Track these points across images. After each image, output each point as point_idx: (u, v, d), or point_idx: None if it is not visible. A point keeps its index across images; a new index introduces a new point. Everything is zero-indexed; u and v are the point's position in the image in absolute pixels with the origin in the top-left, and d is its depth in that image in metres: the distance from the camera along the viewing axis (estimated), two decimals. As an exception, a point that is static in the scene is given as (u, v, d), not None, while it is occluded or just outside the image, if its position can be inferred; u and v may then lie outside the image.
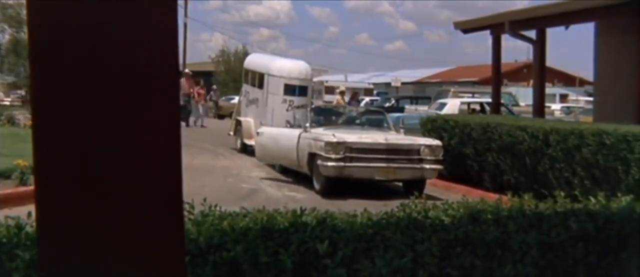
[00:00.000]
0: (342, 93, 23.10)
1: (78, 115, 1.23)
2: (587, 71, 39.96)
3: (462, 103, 22.59)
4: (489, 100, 21.97)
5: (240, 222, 3.19)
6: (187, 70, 25.47)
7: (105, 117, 1.25)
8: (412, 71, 58.35)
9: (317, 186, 10.71)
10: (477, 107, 21.79)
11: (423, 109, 24.25)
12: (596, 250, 3.79)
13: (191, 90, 23.89)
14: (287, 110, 14.81)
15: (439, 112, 19.87)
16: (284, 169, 12.59)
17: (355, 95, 26.40)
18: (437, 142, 10.88)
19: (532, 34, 13.88)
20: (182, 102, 23.24)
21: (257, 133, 13.09)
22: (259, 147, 12.63)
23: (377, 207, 3.93)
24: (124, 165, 1.26)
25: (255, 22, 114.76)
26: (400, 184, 11.18)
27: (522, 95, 32.22)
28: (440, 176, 11.04)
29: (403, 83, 44.40)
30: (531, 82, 24.23)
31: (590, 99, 23.72)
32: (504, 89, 23.08)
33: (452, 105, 21.90)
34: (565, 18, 12.93)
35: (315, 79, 25.95)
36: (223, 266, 3.06)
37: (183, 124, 22.88)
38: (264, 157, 12.77)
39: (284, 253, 3.13)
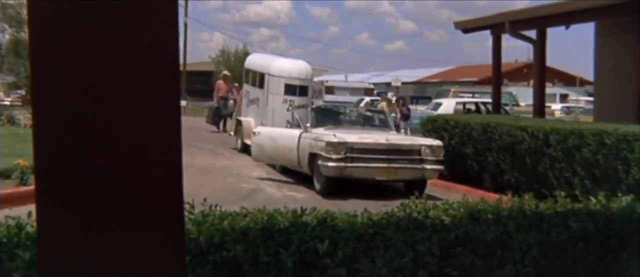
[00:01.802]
0: (388, 101, 19.59)
1: (78, 115, 1.23)
2: (587, 71, 40.00)
3: (458, 103, 22.61)
4: (485, 100, 22.03)
5: (240, 222, 3.19)
6: (225, 72, 24.48)
7: (105, 117, 1.25)
8: (413, 71, 58.43)
9: (317, 186, 10.70)
10: (473, 107, 21.80)
11: (421, 109, 24.28)
12: (596, 250, 3.79)
13: (230, 92, 21.70)
14: (288, 110, 14.80)
15: (434, 112, 19.89)
16: (284, 169, 12.57)
17: (404, 102, 21.27)
18: (438, 142, 10.88)
19: (532, 33, 13.88)
20: (217, 105, 21.61)
21: (254, 133, 12.97)
22: (255, 146, 12.48)
23: (377, 207, 3.93)
24: (124, 165, 1.26)
25: (255, 22, 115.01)
26: (401, 183, 11.18)
27: (523, 95, 32.25)
28: (441, 175, 11.03)
29: (403, 83, 44.41)
30: (531, 82, 24.23)
31: (591, 98, 23.74)
32: (504, 89, 23.09)
33: (447, 106, 21.95)
34: (566, 18, 12.93)
35: (315, 79, 25.90)
36: (223, 265, 3.06)
37: (215, 128, 21.37)
38: (260, 157, 12.63)
39: (285, 253, 3.13)
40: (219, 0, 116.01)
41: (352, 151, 10.26)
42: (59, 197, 1.25)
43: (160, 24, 1.26)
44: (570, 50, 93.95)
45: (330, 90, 33.05)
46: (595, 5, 11.73)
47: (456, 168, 11.44)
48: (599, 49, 13.60)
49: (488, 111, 19.94)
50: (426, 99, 29.07)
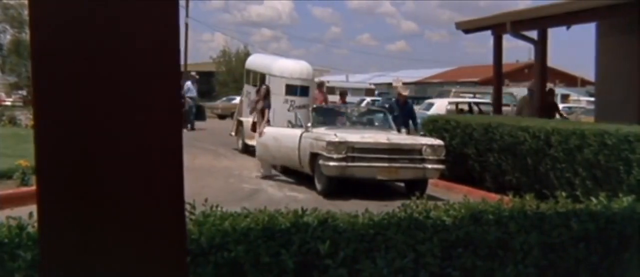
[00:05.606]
0: (531, 91, 14.38)
1: (80, 115, 1.23)
2: (588, 71, 39.94)
3: (450, 103, 22.54)
4: (479, 100, 21.90)
5: (241, 223, 3.19)
6: (321, 79, 22.96)
7: (106, 118, 1.25)
8: (414, 71, 58.32)
9: (318, 186, 10.69)
10: (466, 108, 21.68)
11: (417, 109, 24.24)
12: (598, 250, 3.79)
13: (325, 102, 17.45)
14: (289, 110, 14.81)
15: (427, 112, 19.88)
16: (285, 169, 12.57)
17: (551, 93, 15.19)
18: (439, 142, 10.86)
19: (533, 34, 13.87)
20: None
21: (260, 133, 13.05)
22: (260, 146, 12.52)
23: (378, 208, 3.93)
24: (125, 165, 1.26)
25: (257, 23, 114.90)
26: (402, 184, 11.17)
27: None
28: (442, 176, 11.02)
29: (405, 83, 44.31)
30: (532, 82, 24.18)
31: (592, 99, 23.70)
32: (505, 90, 23.06)
33: (439, 105, 21.91)
34: (567, 18, 12.92)
35: (316, 79, 25.85)
36: (224, 266, 3.05)
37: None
38: (264, 157, 12.62)
39: (286, 253, 3.13)
40: (220, 0, 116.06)
41: (353, 151, 10.25)
42: (60, 198, 1.25)
43: (161, 24, 1.26)
44: (571, 51, 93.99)
45: (331, 90, 33.00)
46: (596, 5, 11.72)
47: (457, 168, 11.44)
48: (599, 49, 13.59)
49: (481, 112, 19.90)
50: (427, 99, 29.07)
